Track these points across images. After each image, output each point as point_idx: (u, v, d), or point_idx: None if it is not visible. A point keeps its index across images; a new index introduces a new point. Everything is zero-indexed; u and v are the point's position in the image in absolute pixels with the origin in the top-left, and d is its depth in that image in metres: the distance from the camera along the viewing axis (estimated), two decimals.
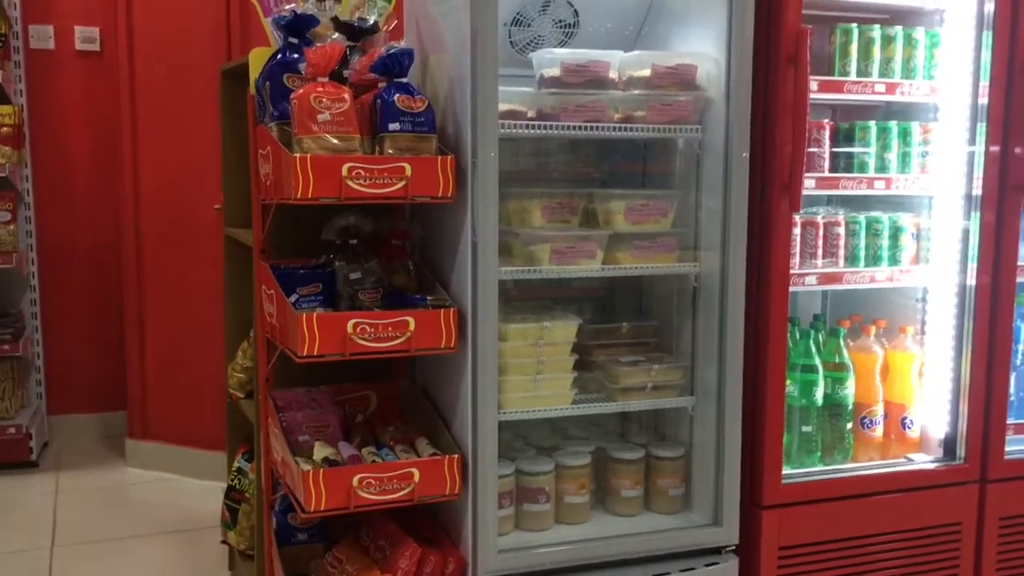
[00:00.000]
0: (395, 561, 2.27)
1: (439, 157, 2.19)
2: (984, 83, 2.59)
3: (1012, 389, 2.75)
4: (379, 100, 2.18)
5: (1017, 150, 2.60)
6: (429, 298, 2.30)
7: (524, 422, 2.56)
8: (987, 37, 2.57)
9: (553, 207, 2.45)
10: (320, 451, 2.28)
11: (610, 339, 2.62)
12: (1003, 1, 2.55)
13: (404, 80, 2.22)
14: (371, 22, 2.38)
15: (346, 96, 2.15)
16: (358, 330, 2.15)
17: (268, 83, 2.29)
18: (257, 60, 2.43)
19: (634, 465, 2.54)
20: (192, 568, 3.35)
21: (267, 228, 2.43)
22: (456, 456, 2.25)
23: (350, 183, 2.11)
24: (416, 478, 2.20)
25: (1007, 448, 2.71)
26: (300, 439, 2.37)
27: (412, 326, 2.19)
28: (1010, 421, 2.72)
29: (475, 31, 2.15)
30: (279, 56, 2.31)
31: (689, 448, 2.58)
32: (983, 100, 2.59)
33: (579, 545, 2.38)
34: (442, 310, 2.23)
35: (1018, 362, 2.85)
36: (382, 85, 2.21)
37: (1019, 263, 2.67)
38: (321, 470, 2.17)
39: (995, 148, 2.60)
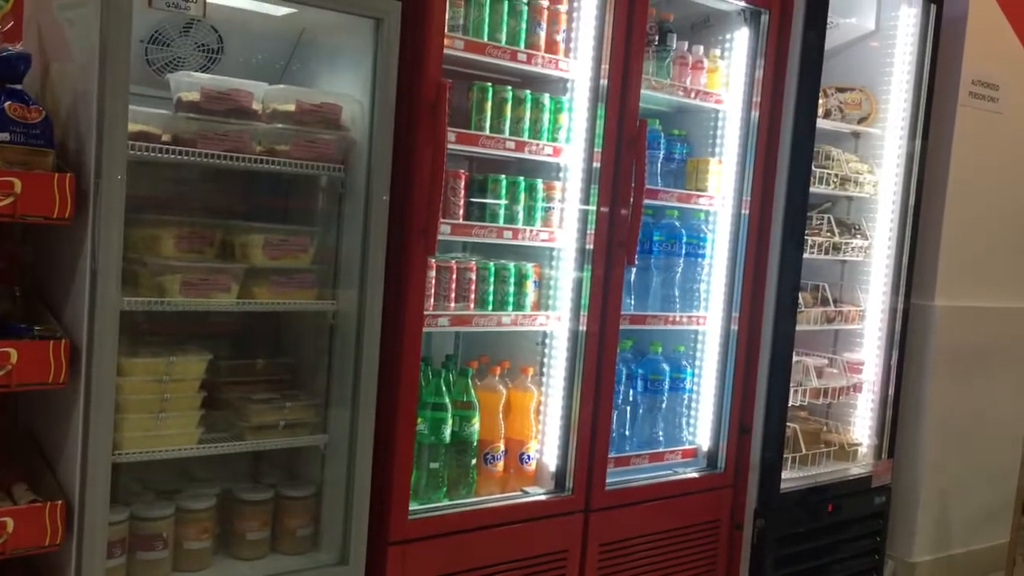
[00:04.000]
0: None
1: (56, 174, 2.01)
2: (598, 150, 2.89)
3: (614, 426, 3.07)
4: None
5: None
6: (36, 328, 2.09)
7: (145, 464, 2.38)
8: (601, 109, 2.88)
9: (187, 237, 2.34)
10: None
11: (244, 376, 2.55)
12: (615, 78, 2.88)
13: (18, 87, 2.03)
14: None
15: None
16: None
17: None
18: None
19: (262, 506, 2.48)
20: None
21: None
22: (59, 502, 2.05)
23: None
24: (9, 528, 1.97)
25: (608, 480, 3.01)
26: None
27: (14, 358, 1.98)
28: (611, 455, 3.03)
29: (105, 44, 2.01)
30: None
31: (320, 487, 2.56)
32: (596, 165, 2.89)
33: None
34: (51, 341, 2.04)
35: (619, 401, 3.18)
36: None
37: (623, 313, 3.00)
38: None
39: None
